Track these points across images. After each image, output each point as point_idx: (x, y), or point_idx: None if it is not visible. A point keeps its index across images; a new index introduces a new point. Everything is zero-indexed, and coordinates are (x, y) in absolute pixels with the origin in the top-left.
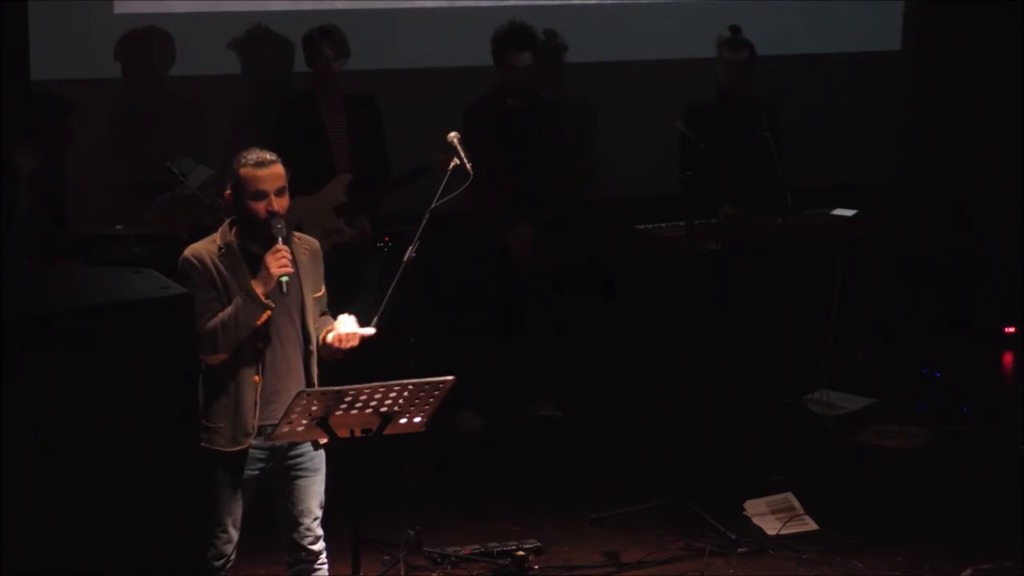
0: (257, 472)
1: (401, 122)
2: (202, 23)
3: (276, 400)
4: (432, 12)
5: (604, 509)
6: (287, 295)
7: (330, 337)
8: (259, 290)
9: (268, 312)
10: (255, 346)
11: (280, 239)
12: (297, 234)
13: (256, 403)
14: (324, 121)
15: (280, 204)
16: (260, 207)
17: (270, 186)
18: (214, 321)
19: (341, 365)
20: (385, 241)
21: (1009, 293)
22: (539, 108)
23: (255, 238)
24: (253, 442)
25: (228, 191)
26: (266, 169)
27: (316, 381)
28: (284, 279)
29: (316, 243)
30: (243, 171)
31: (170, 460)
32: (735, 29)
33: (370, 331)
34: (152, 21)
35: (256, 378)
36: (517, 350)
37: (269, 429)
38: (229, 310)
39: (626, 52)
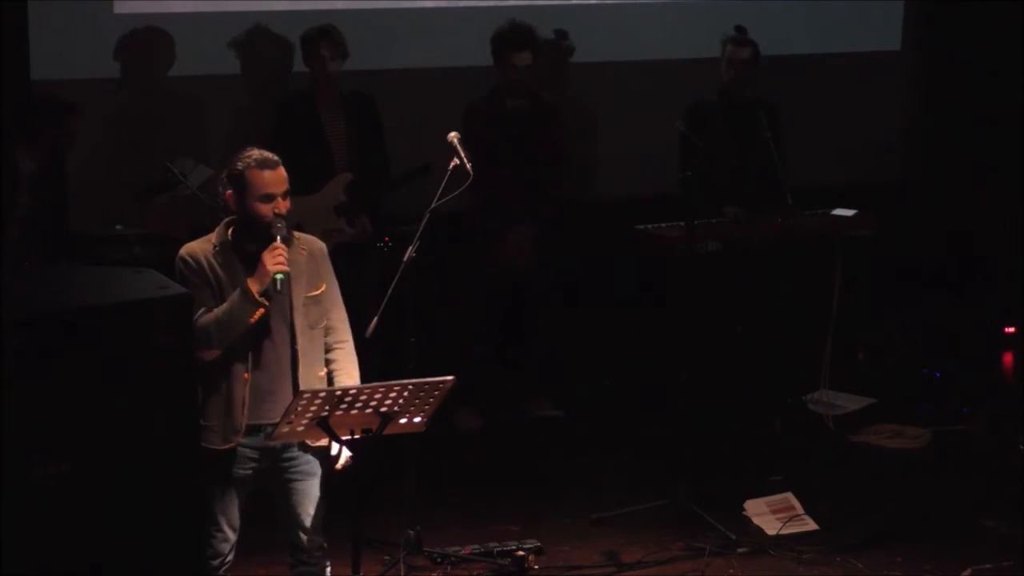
0: (250, 472)
1: (401, 122)
2: (202, 23)
3: (269, 399)
4: (432, 12)
5: (604, 509)
6: (281, 293)
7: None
8: (254, 288)
9: (262, 310)
10: (247, 344)
11: (279, 238)
12: (298, 234)
13: (245, 400)
14: (322, 121)
15: (285, 206)
16: (267, 209)
17: (277, 189)
18: (208, 317)
19: None
20: (385, 241)
21: (1009, 293)
22: (539, 108)
23: (254, 237)
24: (244, 441)
25: (229, 191)
26: (273, 171)
27: (303, 381)
28: (280, 277)
29: (320, 244)
30: (249, 173)
31: (170, 460)
32: (741, 28)
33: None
34: (152, 21)
35: (246, 375)
36: (517, 349)
37: (270, 429)
38: (224, 307)
39: (626, 52)
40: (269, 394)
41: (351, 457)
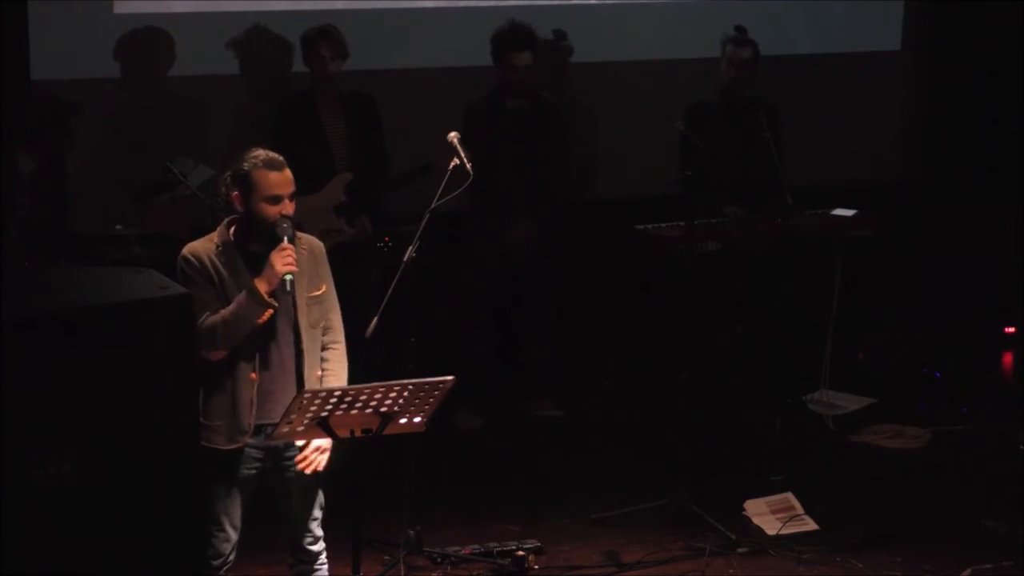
0: (254, 471)
1: (401, 122)
2: (202, 23)
3: (272, 399)
4: (432, 12)
5: (604, 509)
6: (288, 293)
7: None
8: (262, 288)
9: (270, 311)
10: (253, 344)
11: (286, 239)
12: (299, 233)
13: (253, 401)
14: (322, 121)
15: (291, 208)
16: (274, 211)
17: (284, 190)
18: (215, 318)
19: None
20: (385, 241)
21: (1009, 293)
22: (539, 108)
23: (257, 238)
24: (249, 441)
25: (235, 192)
26: (280, 173)
27: (307, 381)
28: (289, 277)
29: (319, 243)
30: (256, 174)
31: (170, 460)
32: (741, 28)
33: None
34: (152, 21)
35: (253, 375)
36: (517, 349)
37: (269, 429)
38: (231, 308)
39: (626, 52)
40: (272, 394)
41: (322, 463)
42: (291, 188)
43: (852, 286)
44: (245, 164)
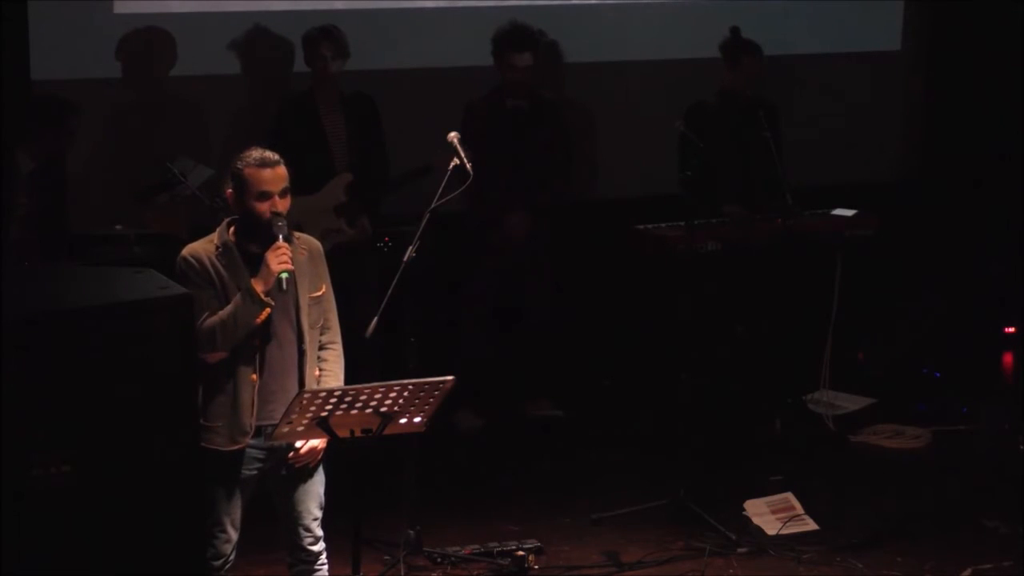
0: (255, 472)
1: (401, 122)
2: (202, 23)
3: (273, 400)
4: (432, 12)
5: (604, 509)
6: (286, 293)
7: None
8: (258, 288)
9: (267, 310)
10: (253, 345)
11: (281, 237)
12: (297, 233)
13: (254, 402)
14: (322, 121)
15: (283, 205)
16: (264, 208)
17: (275, 187)
18: (213, 319)
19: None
20: (385, 241)
21: (1009, 293)
22: (539, 108)
23: (254, 237)
24: (251, 442)
25: (229, 190)
26: (271, 170)
27: (308, 381)
28: (284, 276)
29: (317, 243)
30: (247, 171)
31: (170, 460)
32: (737, 30)
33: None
34: (152, 21)
35: (253, 376)
36: (517, 349)
37: (269, 429)
38: (228, 308)
39: (626, 52)
40: (273, 395)
41: (313, 450)
42: (282, 184)
43: (852, 286)
44: (238, 163)
